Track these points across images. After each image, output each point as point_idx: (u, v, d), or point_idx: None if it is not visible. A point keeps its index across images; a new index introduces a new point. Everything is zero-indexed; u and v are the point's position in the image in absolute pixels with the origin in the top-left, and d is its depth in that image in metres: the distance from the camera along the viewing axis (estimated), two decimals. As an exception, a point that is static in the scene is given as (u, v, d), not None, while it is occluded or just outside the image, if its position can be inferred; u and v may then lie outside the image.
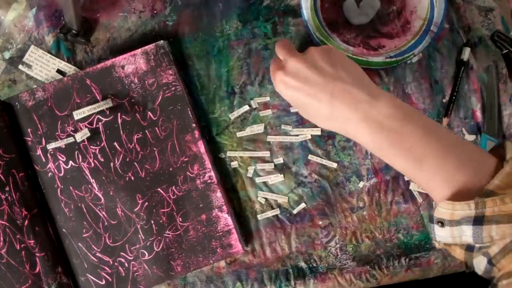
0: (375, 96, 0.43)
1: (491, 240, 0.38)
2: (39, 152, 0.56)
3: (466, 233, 0.39)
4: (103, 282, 0.55)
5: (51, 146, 0.55)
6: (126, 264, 0.55)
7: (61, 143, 0.55)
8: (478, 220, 0.38)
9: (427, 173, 0.41)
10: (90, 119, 0.56)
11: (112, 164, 0.56)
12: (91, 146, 0.56)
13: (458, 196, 0.39)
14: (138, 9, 0.59)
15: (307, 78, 0.45)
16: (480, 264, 0.41)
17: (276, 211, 0.58)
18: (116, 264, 0.55)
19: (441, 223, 0.40)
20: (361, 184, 0.59)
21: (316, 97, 0.44)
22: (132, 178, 0.56)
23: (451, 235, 0.40)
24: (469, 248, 0.40)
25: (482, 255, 0.40)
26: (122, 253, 0.55)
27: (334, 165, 0.59)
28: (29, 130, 0.56)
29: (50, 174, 0.56)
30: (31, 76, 0.58)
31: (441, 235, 0.41)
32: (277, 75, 0.48)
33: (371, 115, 0.42)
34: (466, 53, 0.60)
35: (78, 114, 0.55)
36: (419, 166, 0.41)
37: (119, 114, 0.56)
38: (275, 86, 0.49)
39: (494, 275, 0.40)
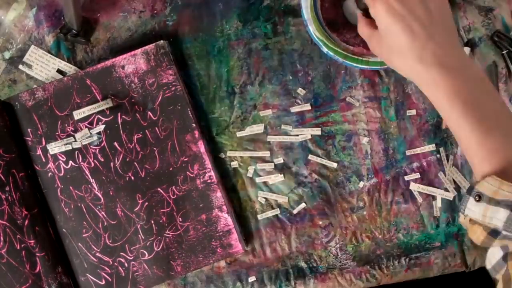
0: (466, 62, 0.43)
1: None
2: (39, 152, 0.56)
3: (499, 216, 0.37)
4: (103, 282, 0.55)
5: (53, 151, 0.55)
6: (126, 264, 0.55)
7: (62, 148, 0.55)
8: None
9: (489, 146, 0.40)
10: (90, 119, 0.56)
11: (112, 164, 0.56)
12: (91, 146, 0.56)
13: (504, 175, 0.38)
14: (138, 9, 0.59)
15: (413, 10, 0.43)
16: (493, 256, 0.39)
17: (276, 211, 0.58)
18: (116, 264, 0.55)
19: (479, 197, 0.38)
20: (361, 184, 0.59)
21: (414, 33, 0.43)
22: (132, 178, 0.56)
23: (484, 213, 0.38)
24: (493, 233, 0.38)
25: (501, 247, 0.38)
26: (122, 253, 0.55)
27: (334, 165, 0.59)
28: (29, 130, 0.56)
29: (50, 174, 0.56)
30: (31, 76, 0.58)
31: (473, 209, 0.39)
32: None
33: (458, 78, 0.42)
34: (466, 53, 0.60)
35: (78, 114, 0.55)
36: (484, 136, 0.40)
37: (119, 114, 0.56)
38: (372, 5, 0.45)
39: (498, 278, 0.38)
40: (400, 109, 0.60)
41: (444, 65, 0.42)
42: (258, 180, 0.58)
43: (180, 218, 0.56)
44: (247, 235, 0.58)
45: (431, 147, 0.60)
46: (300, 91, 0.59)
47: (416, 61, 0.43)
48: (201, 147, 0.56)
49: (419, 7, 0.43)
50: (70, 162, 0.56)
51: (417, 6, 0.43)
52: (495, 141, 0.40)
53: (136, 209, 0.56)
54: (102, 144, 0.56)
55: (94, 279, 0.55)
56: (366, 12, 0.49)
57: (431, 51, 0.42)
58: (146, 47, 0.56)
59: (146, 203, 0.56)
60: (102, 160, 0.56)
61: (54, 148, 0.55)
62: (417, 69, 0.43)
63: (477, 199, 0.39)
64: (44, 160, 0.56)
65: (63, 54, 0.59)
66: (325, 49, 0.55)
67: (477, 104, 0.41)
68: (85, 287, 0.55)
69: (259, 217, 0.58)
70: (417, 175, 0.59)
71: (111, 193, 0.56)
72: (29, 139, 0.56)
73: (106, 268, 0.55)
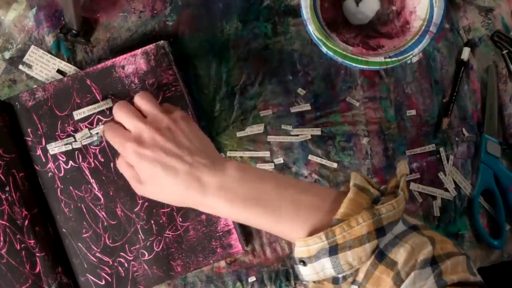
0: (223, 165, 0.45)
1: (351, 267, 0.38)
2: (39, 152, 0.56)
3: (327, 266, 0.39)
4: (103, 282, 0.55)
5: (53, 151, 0.55)
6: (126, 264, 0.55)
7: (62, 148, 0.55)
8: (333, 250, 0.38)
9: (285, 223, 0.42)
10: (90, 119, 0.56)
11: (112, 164, 0.56)
12: (91, 146, 0.56)
13: (314, 234, 0.40)
14: (138, 9, 0.59)
15: (165, 150, 0.45)
16: None
17: (276, 211, 0.58)
18: (115, 264, 0.55)
19: (303, 262, 0.40)
20: (361, 184, 0.59)
21: (174, 170, 0.44)
22: (132, 178, 0.56)
23: (315, 271, 0.40)
24: (335, 281, 0.40)
25: (353, 284, 0.39)
26: (121, 253, 0.55)
27: (334, 165, 0.59)
28: (29, 130, 0.56)
29: (50, 174, 0.56)
30: (31, 76, 0.58)
31: (306, 273, 0.40)
32: (129, 146, 0.46)
33: (224, 184, 0.44)
34: (466, 53, 0.60)
35: (78, 114, 0.55)
36: (278, 218, 0.42)
37: (119, 114, 0.56)
38: (126, 157, 0.47)
39: None
40: (400, 109, 0.60)
41: (212, 185, 0.44)
42: (258, 180, 0.58)
43: (180, 218, 0.56)
44: (247, 235, 0.58)
45: (431, 147, 0.60)
46: (300, 91, 0.59)
47: (188, 193, 0.45)
48: (201, 147, 0.56)
49: (170, 145, 0.45)
50: (70, 162, 0.56)
51: (167, 145, 0.45)
52: (288, 219, 0.42)
53: (136, 209, 0.56)
54: (102, 144, 0.56)
55: (94, 279, 0.55)
56: None
57: (195, 179, 0.44)
58: (146, 47, 0.56)
59: (146, 203, 0.56)
60: (102, 160, 0.56)
61: (54, 148, 0.55)
62: (193, 199, 0.45)
63: (303, 264, 0.40)
64: (44, 160, 0.56)
65: (63, 54, 0.59)
66: (324, 49, 0.55)
67: (257, 199, 0.43)
68: (85, 287, 0.55)
69: (259, 217, 0.58)
70: (417, 175, 0.59)
71: (111, 193, 0.56)
72: (29, 139, 0.56)
73: (106, 268, 0.55)
